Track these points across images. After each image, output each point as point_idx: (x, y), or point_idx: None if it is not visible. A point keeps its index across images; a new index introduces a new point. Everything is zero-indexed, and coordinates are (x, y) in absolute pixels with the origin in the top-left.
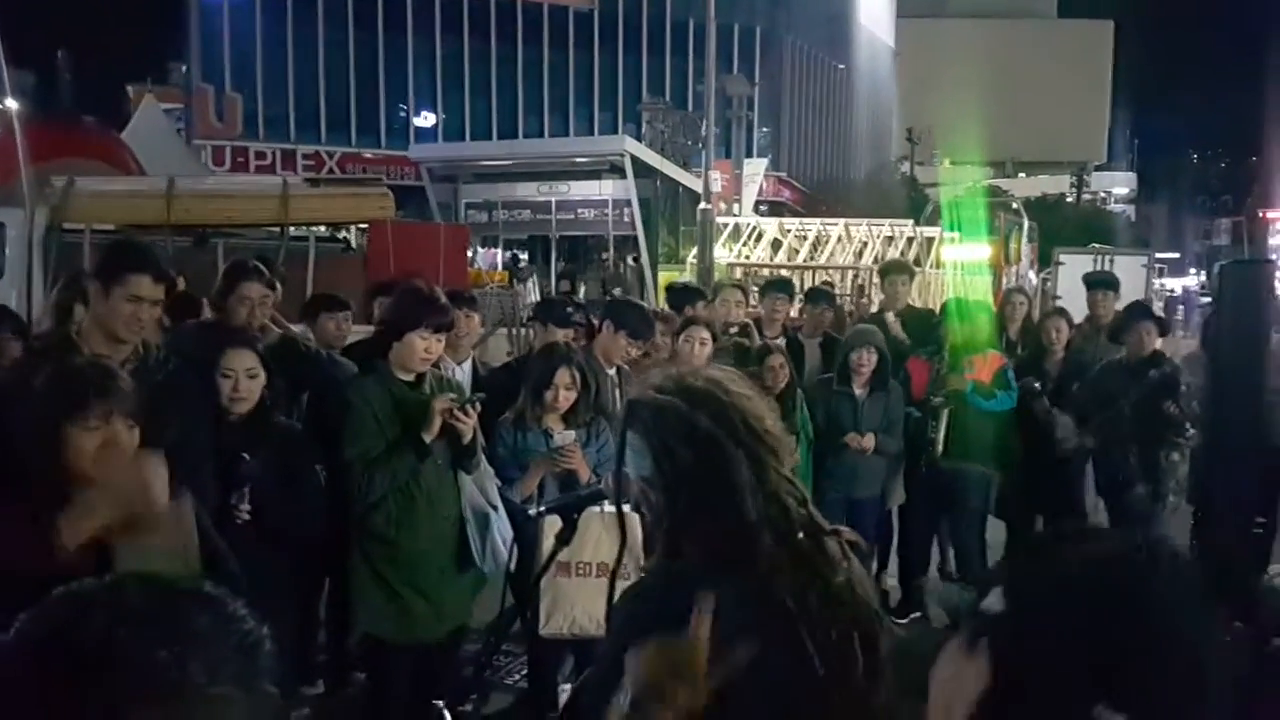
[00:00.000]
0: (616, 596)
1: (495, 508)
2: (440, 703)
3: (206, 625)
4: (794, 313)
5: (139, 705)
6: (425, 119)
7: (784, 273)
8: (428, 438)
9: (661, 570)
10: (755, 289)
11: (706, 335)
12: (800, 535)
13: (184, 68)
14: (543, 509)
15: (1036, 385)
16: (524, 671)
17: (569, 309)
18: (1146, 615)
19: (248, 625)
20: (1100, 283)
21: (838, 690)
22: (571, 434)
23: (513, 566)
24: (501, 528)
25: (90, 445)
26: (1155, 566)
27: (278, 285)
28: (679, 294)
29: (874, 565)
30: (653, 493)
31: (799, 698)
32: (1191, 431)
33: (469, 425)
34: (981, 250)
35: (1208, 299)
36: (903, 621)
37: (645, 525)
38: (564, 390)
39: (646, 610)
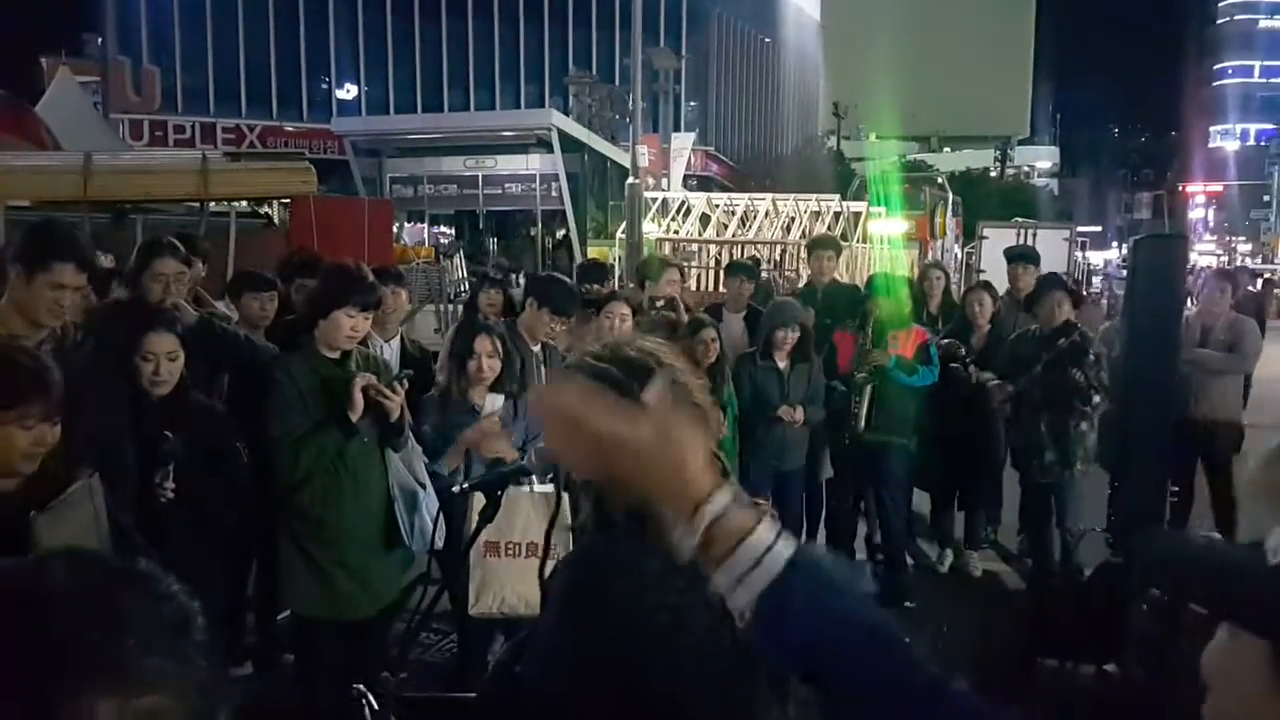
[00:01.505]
0: (547, 574)
1: (424, 485)
2: (360, 685)
3: (138, 600)
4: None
5: (73, 685)
6: (348, 91)
7: (712, 248)
8: (353, 416)
9: (600, 539)
10: (685, 264)
11: (626, 311)
12: None
13: (99, 39)
14: (466, 485)
15: (961, 350)
16: (453, 649)
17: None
18: None
19: (179, 600)
20: (1020, 256)
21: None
22: (500, 398)
23: (440, 543)
24: (429, 505)
25: (24, 442)
26: None
27: (198, 263)
28: (588, 272)
29: (802, 537)
30: None
31: (718, 665)
32: (1098, 400)
33: (396, 403)
34: (907, 225)
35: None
36: None
37: (575, 497)
38: (486, 358)
39: (584, 577)
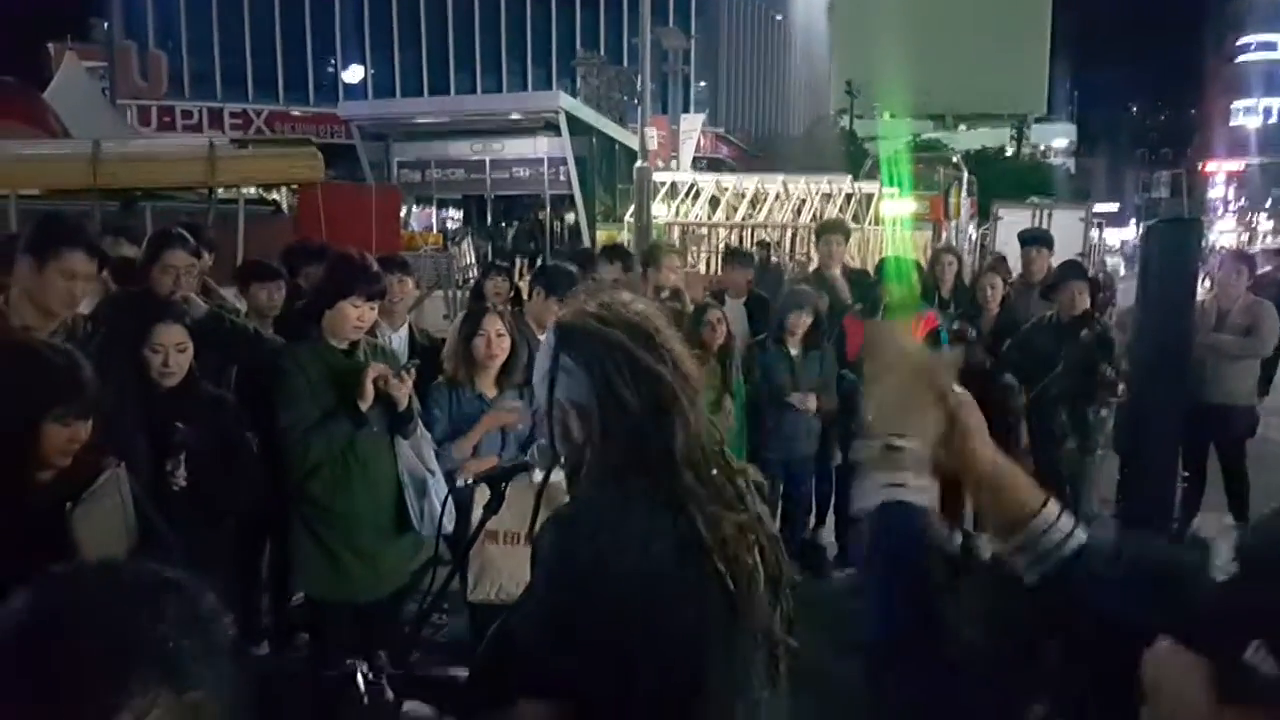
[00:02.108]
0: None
1: (433, 472)
2: (355, 660)
3: (184, 612)
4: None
5: (127, 692)
6: (354, 74)
7: (722, 231)
8: (363, 406)
9: (588, 501)
10: (695, 248)
11: (677, 262)
12: (714, 471)
13: (105, 24)
14: (470, 479)
15: (973, 333)
16: (463, 630)
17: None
18: None
19: (214, 607)
20: (1033, 240)
21: (745, 617)
22: (514, 399)
23: (450, 527)
24: (438, 491)
25: (62, 439)
26: None
27: (204, 253)
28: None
29: (811, 521)
30: (582, 420)
31: (711, 625)
32: (1122, 389)
33: (404, 392)
34: (920, 205)
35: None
36: (840, 575)
37: (566, 453)
38: (495, 336)
39: (576, 540)
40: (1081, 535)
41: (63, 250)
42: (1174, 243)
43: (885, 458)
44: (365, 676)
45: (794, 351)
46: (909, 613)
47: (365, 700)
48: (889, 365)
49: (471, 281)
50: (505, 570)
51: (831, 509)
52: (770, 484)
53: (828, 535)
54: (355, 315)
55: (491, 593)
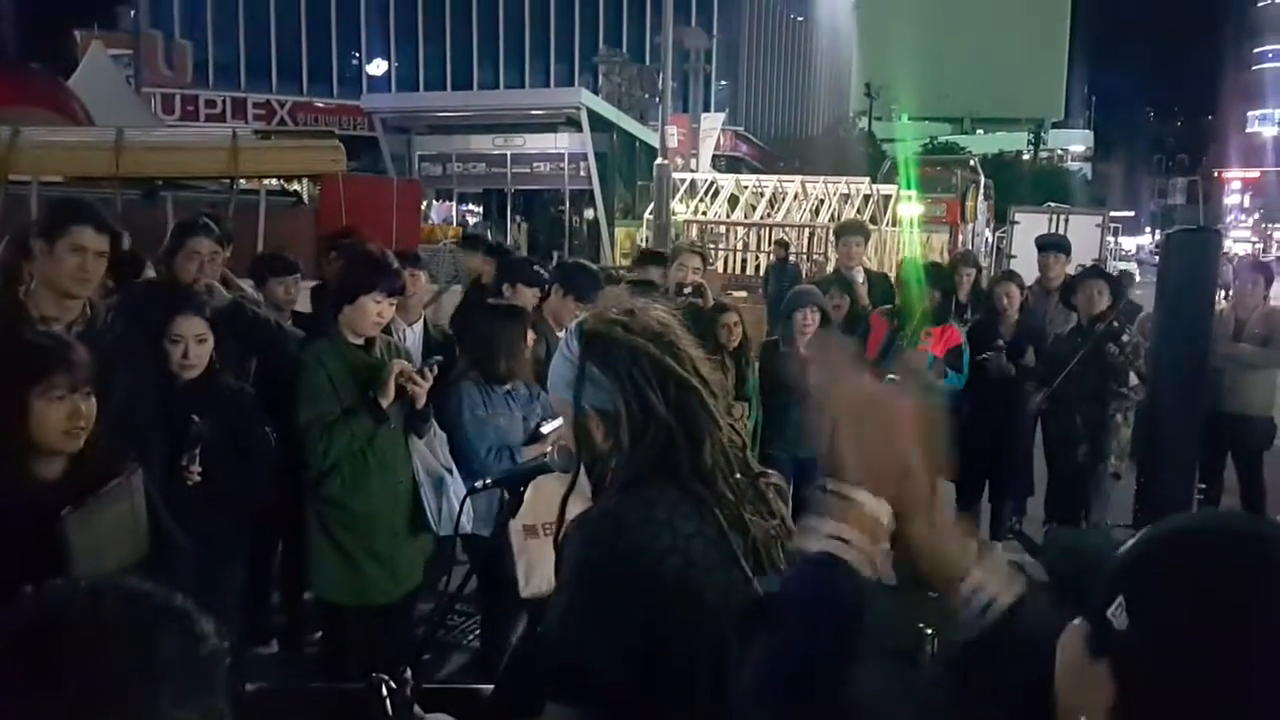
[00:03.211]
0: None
1: (450, 470)
2: (379, 675)
3: (176, 647)
4: None
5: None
6: (378, 67)
7: (740, 229)
8: (384, 402)
9: (612, 506)
10: (713, 246)
11: (699, 263)
12: (738, 476)
13: (132, 12)
14: (488, 482)
15: (1001, 344)
16: (478, 631)
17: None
18: None
19: (212, 643)
20: (1051, 245)
21: None
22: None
23: (467, 527)
24: (456, 490)
25: (58, 416)
26: None
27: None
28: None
29: None
30: (607, 426)
31: (730, 602)
32: (1135, 382)
33: (424, 390)
34: (937, 208)
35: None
36: None
37: (588, 459)
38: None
39: (599, 546)
40: (1006, 601)
41: (70, 226)
42: (1193, 252)
43: (836, 506)
44: (389, 689)
45: (804, 352)
46: (798, 681)
47: (390, 713)
48: (857, 410)
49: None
50: (550, 561)
51: None
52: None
53: None
54: (375, 311)
55: (543, 587)
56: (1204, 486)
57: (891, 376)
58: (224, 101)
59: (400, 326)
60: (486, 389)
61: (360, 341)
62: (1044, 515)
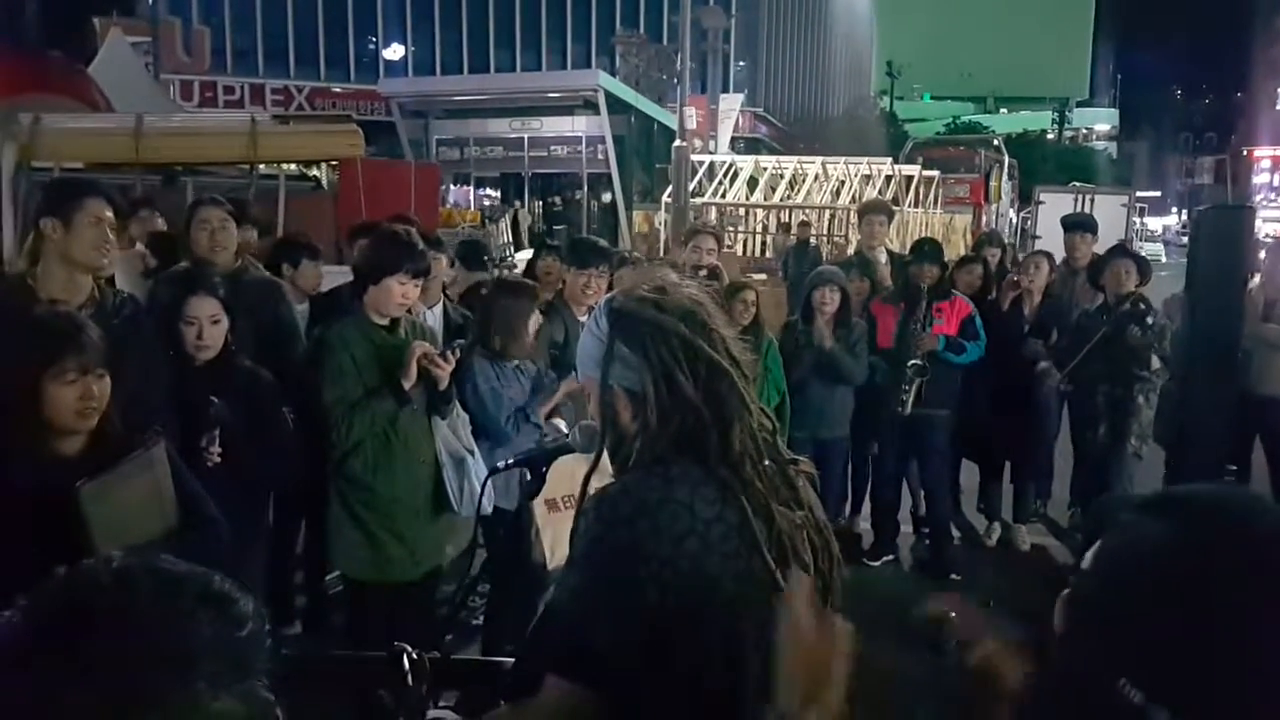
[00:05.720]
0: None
1: (471, 451)
2: (401, 643)
3: (213, 634)
4: None
5: (134, 708)
6: (395, 52)
7: (759, 211)
8: (407, 384)
9: (632, 485)
10: (732, 229)
11: (714, 245)
12: (767, 462)
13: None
14: (510, 461)
15: (1041, 346)
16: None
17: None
18: (1234, 619)
19: (252, 626)
20: (1077, 225)
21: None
22: (561, 424)
23: (489, 508)
24: (478, 471)
25: (71, 398)
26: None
27: (250, 229)
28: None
29: (847, 508)
30: (635, 406)
31: (754, 624)
32: (1158, 365)
33: (446, 372)
34: (961, 189)
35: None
36: (875, 564)
37: (611, 438)
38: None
39: (615, 524)
40: None
41: (85, 200)
42: (1224, 229)
43: None
44: (411, 659)
45: (824, 330)
46: None
47: (410, 682)
48: (799, 637)
49: (508, 259)
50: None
51: (867, 496)
52: None
53: (863, 522)
54: (400, 292)
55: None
56: (1233, 469)
57: (915, 366)
58: (242, 87)
59: (420, 309)
60: (497, 364)
61: (385, 322)
62: (1069, 497)
